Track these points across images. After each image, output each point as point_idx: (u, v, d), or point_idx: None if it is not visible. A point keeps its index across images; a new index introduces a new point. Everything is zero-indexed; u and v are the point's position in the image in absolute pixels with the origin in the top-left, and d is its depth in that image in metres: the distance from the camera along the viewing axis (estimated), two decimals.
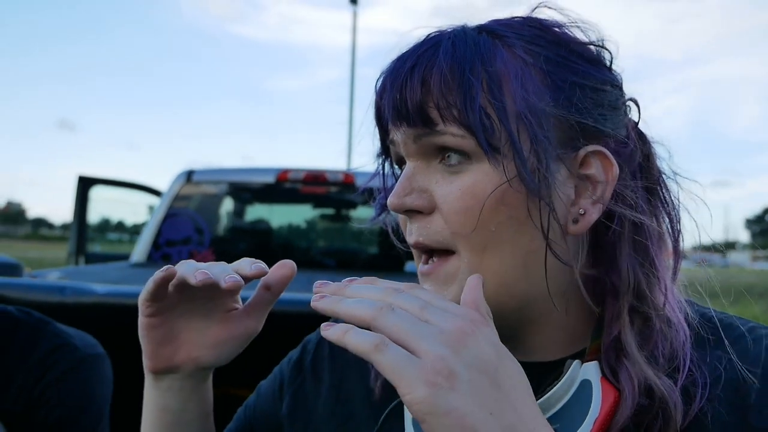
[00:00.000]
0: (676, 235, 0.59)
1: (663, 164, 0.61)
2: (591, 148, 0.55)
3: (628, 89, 0.60)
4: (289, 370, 0.76)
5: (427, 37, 0.57)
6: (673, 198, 0.60)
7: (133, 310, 1.55)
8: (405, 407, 0.59)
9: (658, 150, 0.61)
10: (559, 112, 0.54)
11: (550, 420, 0.53)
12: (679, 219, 0.59)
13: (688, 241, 0.60)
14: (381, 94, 0.57)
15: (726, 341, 0.55)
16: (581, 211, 0.55)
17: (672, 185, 0.60)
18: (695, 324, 0.57)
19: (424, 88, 0.53)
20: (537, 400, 0.52)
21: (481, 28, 0.57)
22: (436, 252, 0.57)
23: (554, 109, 0.54)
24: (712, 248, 0.60)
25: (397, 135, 0.57)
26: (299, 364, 0.75)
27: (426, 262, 0.58)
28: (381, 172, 0.65)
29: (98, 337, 1.20)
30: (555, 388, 0.54)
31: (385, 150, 0.62)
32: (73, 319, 1.22)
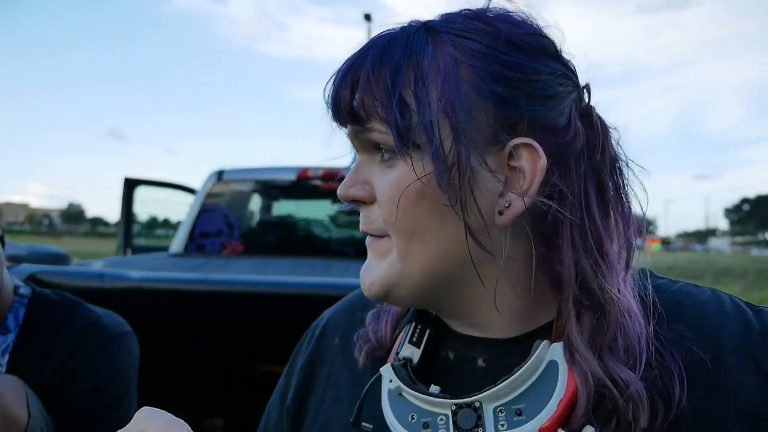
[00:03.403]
0: (627, 222, 0.56)
1: (619, 150, 0.57)
2: (517, 140, 0.52)
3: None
4: (287, 381, 0.75)
5: (371, 39, 0.56)
6: (626, 185, 0.56)
7: (163, 294, 1.60)
8: (383, 380, 0.59)
9: (613, 135, 0.57)
10: (483, 106, 0.52)
11: (516, 400, 0.51)
12: (631, 206, 0.56)
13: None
14: (328, 97, 0.58)
15: (686, 315, 0.54)
16: (506, 203, 0.53)
17: (626, 172, 0.57)
18: (650, 301, 0.54)
19: (354, 89, 0.54)
20: (503, 379, 0.52)
21: (424, 25, 0.55)
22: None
23: (478, 103, 0.52)
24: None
25: (346, 132, 0.58)
26: (294, 369, 0.74)
27: None
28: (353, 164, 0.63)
29: (132, 318, 1.25)
30: (522, 369, 0.51)
31: None
32: (111, 303, 1.28)
